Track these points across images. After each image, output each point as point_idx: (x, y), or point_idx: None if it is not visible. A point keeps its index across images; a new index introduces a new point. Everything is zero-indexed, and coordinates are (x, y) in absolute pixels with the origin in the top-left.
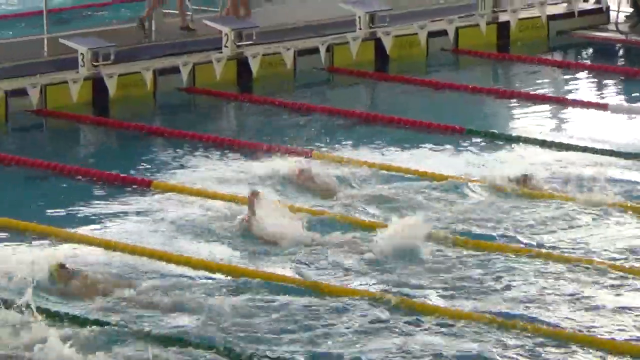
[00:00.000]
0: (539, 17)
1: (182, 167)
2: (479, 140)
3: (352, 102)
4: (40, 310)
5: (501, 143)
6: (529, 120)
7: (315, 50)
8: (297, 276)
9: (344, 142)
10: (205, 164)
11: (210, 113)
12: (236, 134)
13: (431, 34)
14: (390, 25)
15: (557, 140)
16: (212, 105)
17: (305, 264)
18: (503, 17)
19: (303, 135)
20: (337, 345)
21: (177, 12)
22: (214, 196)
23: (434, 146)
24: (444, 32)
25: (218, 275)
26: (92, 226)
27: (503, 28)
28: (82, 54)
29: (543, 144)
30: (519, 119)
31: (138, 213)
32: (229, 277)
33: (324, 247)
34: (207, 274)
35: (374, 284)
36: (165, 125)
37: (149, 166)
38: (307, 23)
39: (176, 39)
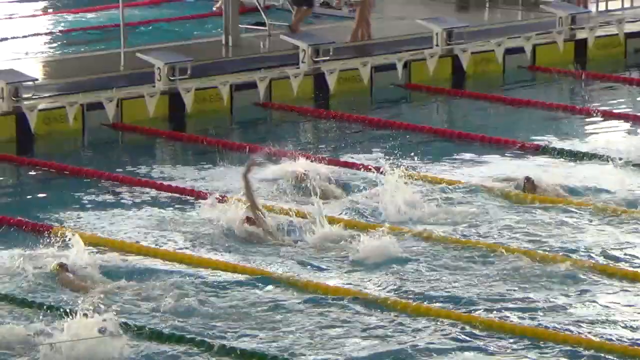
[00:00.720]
0: (617, 34)
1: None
2: (554, 157)
3: (428, 118)
4: None
5: (577, 160)
6: (605, 137)
7: (392, 67)
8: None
9: (421, 158)
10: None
11: (286, 128)
12: (313, 149)
13: (508, 51)
14: (467, 42)
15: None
16: (288, 121)
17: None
18: (580, 35)
19: (379, 151)
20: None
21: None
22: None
23: (508, 162)
24: (521, 49)
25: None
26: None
27: (580, 45)
28: (158, 68)
29: (618, 161)
30: (595, 136)
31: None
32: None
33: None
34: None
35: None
36: (241, 140)
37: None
38: (384, 39)
39: (253, 53)
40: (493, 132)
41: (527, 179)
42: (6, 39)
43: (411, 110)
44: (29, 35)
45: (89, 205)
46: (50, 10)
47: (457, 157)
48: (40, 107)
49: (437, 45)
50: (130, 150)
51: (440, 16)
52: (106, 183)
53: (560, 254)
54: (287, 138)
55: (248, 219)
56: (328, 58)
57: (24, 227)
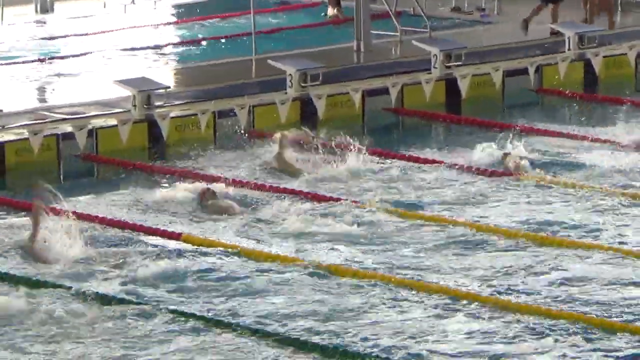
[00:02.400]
0: None
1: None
2: None
3: (561, 122)
4: None
5: None
6: None
7: (524, 71)
8: None
9: (554, 163)
10: None
11: (418, 133)
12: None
13: None
14: (599, 46)
15: None
16: (420, 126)
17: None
18: None
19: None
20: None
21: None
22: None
23: None
24: None
25: None
26: None
27: None
28: (290, 74)
29: None
30: None
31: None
32: None
33: None
34: None
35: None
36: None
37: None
38: (517, 44)
39: (384, 59)
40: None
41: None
42: (138, 47)
43: (543, 115)
44: (161, 45)
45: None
46: (182, 19)
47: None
48: (173, 114)
49: (569, 49)
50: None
51: (571, 20)
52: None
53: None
54: (418, 143)
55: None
56: (460, 63)
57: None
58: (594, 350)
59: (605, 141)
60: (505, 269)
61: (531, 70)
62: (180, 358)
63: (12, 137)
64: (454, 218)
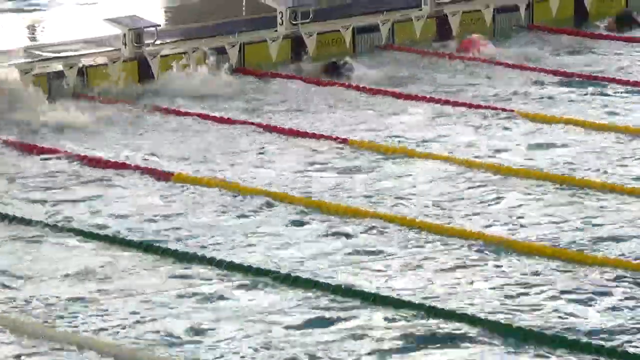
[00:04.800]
0: None
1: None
2: None
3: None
4: None
5: None
6: None
7: (516, 8)
8: None
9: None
10: None
11: (408, 69)
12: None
13: None
14: None
15: None
16: (410, 61)
17: None
18: None
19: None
20: None
21: None
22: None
23: None
24: None
25: None
26: None
27: None
28: (280, 12)
29: None
30: None
31: None
32: None
33: None
34: None
35: None
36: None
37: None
38: None
39: None
40: None
41: None
42: None
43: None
44: None
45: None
46: None
47: None
48: (163, 52)
49: None
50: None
51: None
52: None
53: None
54: (408, 79)
55: None
56: (449, 0)
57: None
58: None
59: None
60: None
61: (522, 7)
62: None
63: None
64: None
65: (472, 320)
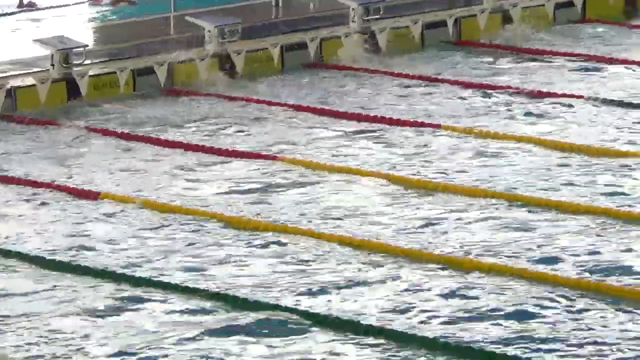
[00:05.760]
0: None
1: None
2: None
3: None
4: None
5: None
6: None
7: (443, 24)
8: None
9: None
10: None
11: (339, 88)
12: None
13: None
14: None
15: None
16: (342, 80)
17: None
18: None
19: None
20: None
21: None
22: None
23: None
24: None
25: None
26: None
27: None
28: (209, 31)
29: None
30: None
31: None
32: None
33: None
34: None
35: None
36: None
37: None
38: None
39: (303, 14)
40: None
41: None
42: (55, 5)
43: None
44: (78, 3)
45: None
46: None
47: None
48: (91, 73)
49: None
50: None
51: None
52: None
53: None
54: (340, 97)
55: None
56: (378, 17)
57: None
58: None
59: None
60: None
61: (450, 23)
62: None
63: None
64: None
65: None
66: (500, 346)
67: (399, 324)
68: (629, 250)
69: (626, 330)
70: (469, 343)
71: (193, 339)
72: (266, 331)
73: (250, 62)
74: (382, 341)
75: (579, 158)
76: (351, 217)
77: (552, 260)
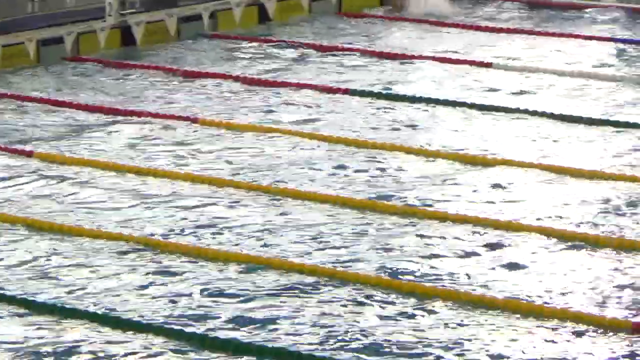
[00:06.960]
0: None
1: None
2: None
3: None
4: None
5: None
6: None
7: (199, 17)
8: None
9: None
10: None
11: (95, 82)
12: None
13: None
14: None
15: None
16: (98, 73)
17: None
18: None
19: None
20: None
21: None
22: None
23: None
24: None
25: None
26: None
27: None
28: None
29: None
30: None
31: None
32: None
33: None
34: None
35: None
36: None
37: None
38: None
39: (59, 9)
40: None
41: None
42: None
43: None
44: None
45: None
46: None
47: None
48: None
49: None
50: None
51: None
52: None
53: None
54: (98, 92)
55: None
56: (134, 11)
57: None
58: None
59: None
60: None
61: (205, 16)
62: None
63: None
64: None
65: None
66: None
67: None
68: None
69: None
70: None
71: None
72: None
73: (6, 57)
74: None
75: None
76: None
77: None
